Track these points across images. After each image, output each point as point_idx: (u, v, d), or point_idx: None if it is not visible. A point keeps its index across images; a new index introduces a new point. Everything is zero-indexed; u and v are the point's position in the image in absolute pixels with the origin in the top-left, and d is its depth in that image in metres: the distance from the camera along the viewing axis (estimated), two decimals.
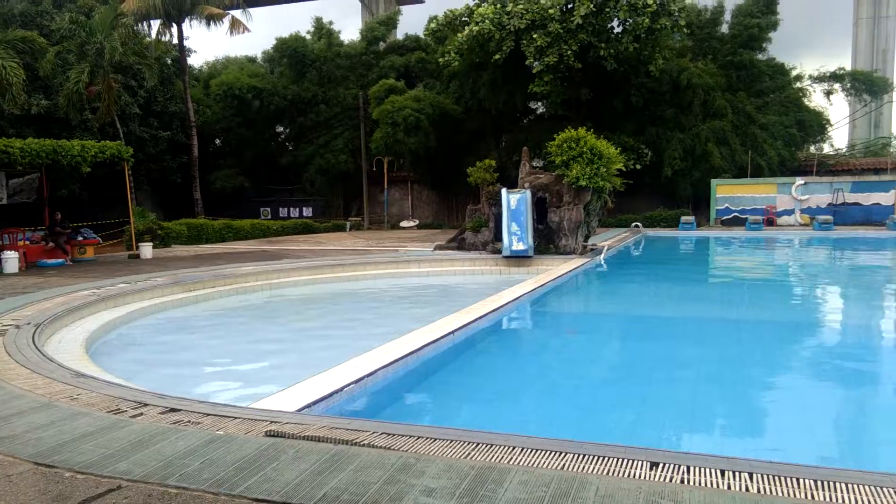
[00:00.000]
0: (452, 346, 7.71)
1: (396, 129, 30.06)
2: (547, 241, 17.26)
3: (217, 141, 39.47)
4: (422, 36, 35.21)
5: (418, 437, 4.09)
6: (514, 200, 16.30)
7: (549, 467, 3.68)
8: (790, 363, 8.16)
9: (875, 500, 3.29)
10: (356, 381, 5.55)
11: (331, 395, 5.17)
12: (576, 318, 11.65)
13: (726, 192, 30.05)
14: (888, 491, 3.38)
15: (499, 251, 16.70)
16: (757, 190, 29.65)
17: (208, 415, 4.60)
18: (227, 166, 36.91)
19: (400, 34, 40.65)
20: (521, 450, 3.92)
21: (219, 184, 35.83)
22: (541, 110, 34.71)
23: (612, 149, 17.11)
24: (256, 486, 3.39)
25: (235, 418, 4.51)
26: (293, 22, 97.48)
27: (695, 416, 6.01)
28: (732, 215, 29.87)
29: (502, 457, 3.82)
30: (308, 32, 38.48)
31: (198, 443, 4.01)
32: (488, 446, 3.98)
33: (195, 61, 43.95)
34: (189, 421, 4.46)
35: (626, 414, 6.11)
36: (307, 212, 36.53)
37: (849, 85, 33.58)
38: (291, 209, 36.96)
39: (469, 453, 3.88)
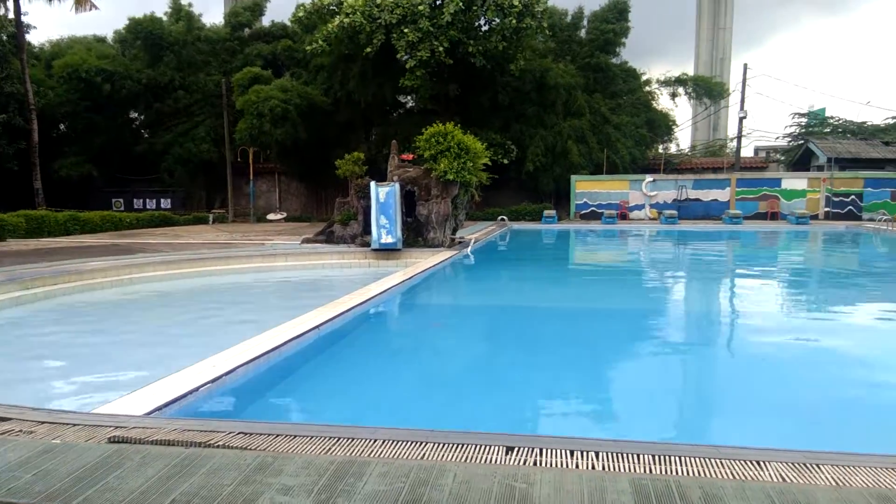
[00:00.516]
0: (318, 341, 7.58)
1: (262, 119, 29.10)
2: (416, 234, 17.41)
3: (62, 126, 36.30)
4: (289, 24, 34.26)
5: (277, 435, 3.99)
6: (383, 193, 16.29)
7: (410, 457, 3.72)
8: (638, 347, 8.75)
9: (705, 471, 3.61)
10: (214, 381, 5.32)
11: (185, 395, 4.92)
12: (443, 310, 11.85)
13: (585, 188, 31.73)
14: (716, 462, 3.72)
15: (368, 244, 16.64)
16: (612, 186, 31.54)
17: (44, 423, 4.23)
18: (73, 153, 34.06)
19: (267, 21, 39.36)
20: (383, 442, 3.93)
21: (64, 172, 33.02)
22: (410, 104, 34.92)
23: (479, 144, 17.53)
24: (96, 496, 3.16)
25: (75, 425, 4.18)
26: (148, 1, 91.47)
27: (552, 400, 6.30)
28: (590, 210, 31.60)
29: (364, 450, 3.81)
30: (165, 14, 36.28)
31: (30, 453, 3.68)
32: (350, 440, 3.95)
33: (35, 38, 40.21)
34: (21, 430, 4.08)
35: (489, 401, 6.30)
36: (165, 204, 34.53)
37: (691, 89, 36.52)
38: (148, 201, 34.77)
39: (330, 448, 3.83)
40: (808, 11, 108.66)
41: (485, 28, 27.85)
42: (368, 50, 26.77)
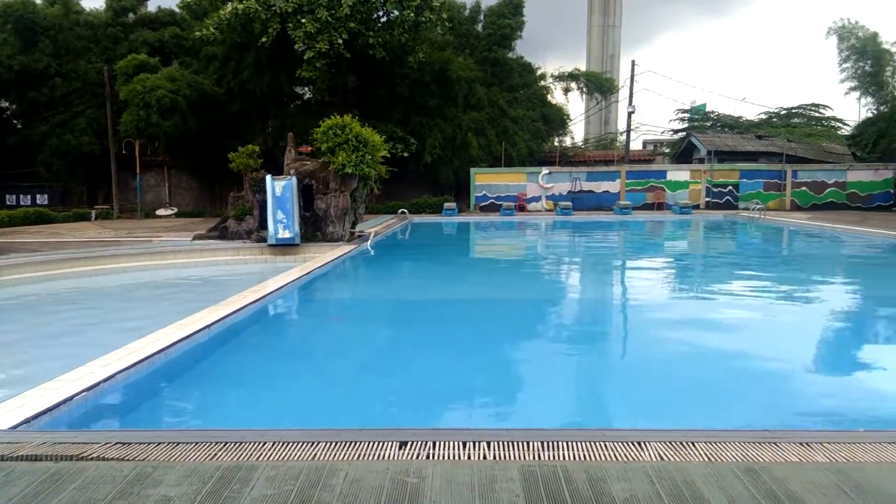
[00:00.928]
0: (209, 342, 7.30)
1: (150, 111, 27.59)
2: (314, 229, 17.09)
3: None
4: (177, 10, 32.64)
5: (158, 444, 3.80)
6: (279, 187, 15.87)
7: (300, 459, 3.64)
8: (534, 336, 8.99)
9: (590, 454, 3.74)
10: (90, 389, 5.00)
11: (57, 406, 4.59)
12: (342, 305, 11.70)
13: (484, 181, 32.23)
14: (601, 444, 3.87)
15: (264, 239, 16.17)
16: (510, 178, 32.21)
17: None
18: None
19: (153, 6, 37.30)
20: (273, 444, 3.83)
21: None
22: (308, 95, 34.19)
23: (378, 136, 17.40)
24: None
25: None
26: None
27: (450, 393, 6.35)
28: (489, 202, 32.14)
29: (252, 454, 3.70)
30: None
31: None
32: (237, 444, 3.82)
33: None
34: None
35: (386, 396, 6.28)
36: (42, 199, 32.17)
37: (583, 85, 37.81)
38: (22, 196, 32.28)
39: (216, 454, 3.69)
40: (692, 12, 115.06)
41: (384, 20, 27.64)
42: (264, 39, 25.94)
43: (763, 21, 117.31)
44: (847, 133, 38.04)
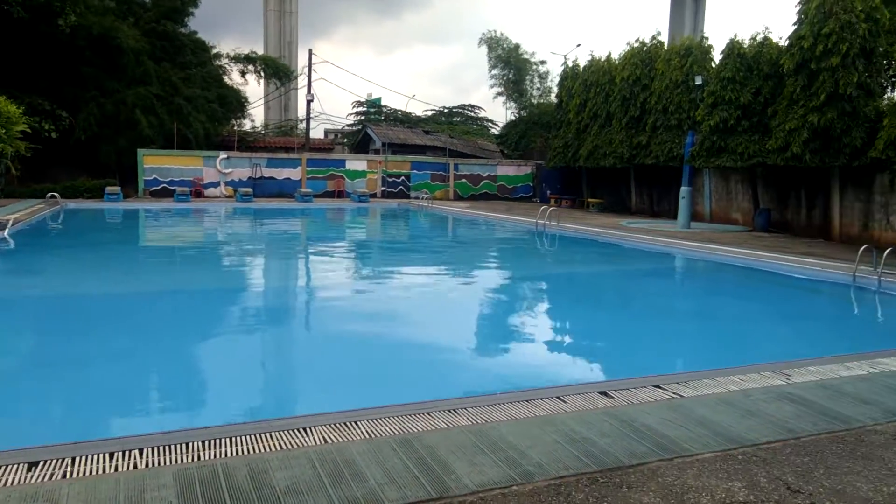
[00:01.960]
0: None
1: None
2: None
3: None
4: None
5: None
6: None
7: None
8: (205, 329, 8.53)
9: (254, 448, 3.64)
10: None
11: None
12: None
13: (154, 163, 29.62)
14: (266, 436, 3.80)
15: None
16: (184, 162, 30.13)
17: None
18: None
19: None
20: None
21: None
22: None
23: (14, 107, 14.82)
24: None
25: None
26: None
27: (98, 399, 5.69)
28: (161, 186, 29.68)
29: None
30: None
31: None
32: None
33: None
34: None
35: (13, 411, 5.37)
36: None
37: (261, 69, 37.01)
38: None
39: None
40: (364, 10, 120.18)
41: None
42: None
43: (429, 25, 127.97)
44: (496, 133, 43.55)
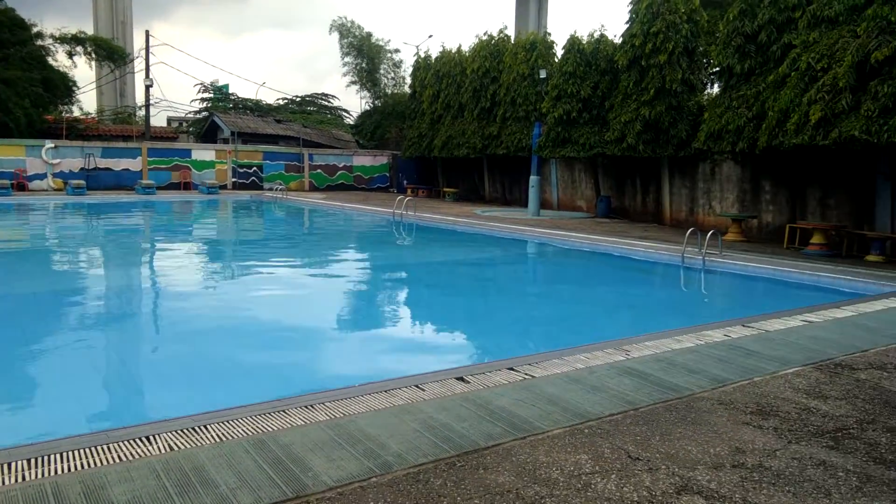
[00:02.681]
0: None
1: None
2: None
3: None
4: None
5: None
6: None
7: None
8: (31, 336, 7.74)
9: (90, 462, 3.35)
10: None
11: None
12: None
13: None
14: (104, 448, 3.50)
15: None
16: (4, 152, 27.11)
17: None
18: None
19: None
20: None
21: None
22: None
23: None
24: None
25: None
26: None
27: None
28: None
29: None
30: None
31: None
32: None
33: None
34: None
35: None
36: None
37: (91, 50, 34.04)
38: None
39: None
40: None
41: None
42: None
43: (279, 8, 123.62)
44: (351, 123, 43.08)
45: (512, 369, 5.16)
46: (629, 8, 18.83)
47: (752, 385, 4.92)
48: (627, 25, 18.86)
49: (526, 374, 5.05)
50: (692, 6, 17.89)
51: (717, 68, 16.81)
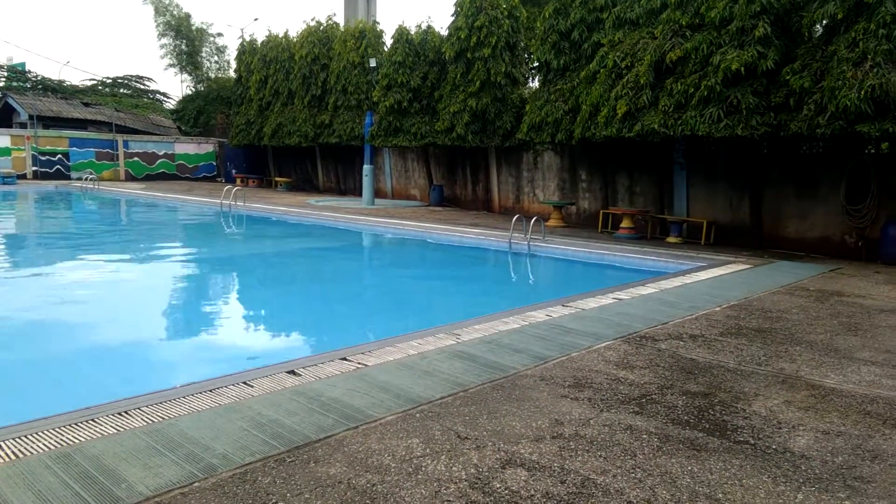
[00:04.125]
0: None
1: None
2: None
3: None
4: None
5: None
6: None
7: None
8: None
9: None
10: None
11: None
12: None
13: None
14: None
15: None
16: None
17: None
18: None
19: None
20: None
21: None
22: None
23: None
24: None
25: None
26: None
27: None
28: None
29: None
30: None
31: None
32: None
33: None
34: None
35: None
36: None
37: None
38: None
39: None
40: None
41: None
42: None
43: None
44: (171, 107, 40.36)
45: (344, 359, 5.13)
46: (455, 0, 19.32)
47: (570, 360, 5.29)
48: (453, 18, 19.35)
49: (359, 363, 5.05)
50: (513, 3, 18.73)
51: (537, 63, 17.75)
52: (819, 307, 7.69)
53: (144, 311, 8.80)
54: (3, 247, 14.40)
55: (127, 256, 13.30)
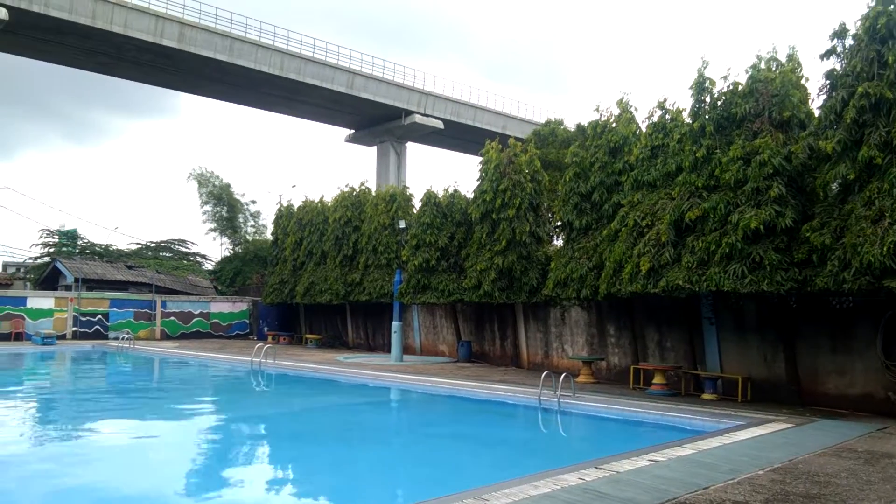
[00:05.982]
0: None
1: None
2: None
3: None
4: None
5: None
6: None
7: None
8: None
9: None
10: None
11: None
12: None
13: None
14: None
15: None
16: None
17: None
18: None
19: None
20: None
21: None
22: None
23: None
24: None
25: None
26: None
27: None
28: None
29: None
30: None
31: None
32: None
33: None
34: None
35: None
36: None
37: None
38: None
39: None
40: (56, 134, 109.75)
41: None
42: None
43: (130, 155, 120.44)
44: (210, 268, 41.96)
45: None
46: (479, 167, 20.45)
47: None
48: (478, 182, 20.39)
49: None
50: (535, 168, 19.77)
51: (560, 223, 18.38)
52: (870, 470, 7.31)
53: (163, 477, 8.67)
54: (30, 408, 14.53)
55: (148, 418, 13.29)
